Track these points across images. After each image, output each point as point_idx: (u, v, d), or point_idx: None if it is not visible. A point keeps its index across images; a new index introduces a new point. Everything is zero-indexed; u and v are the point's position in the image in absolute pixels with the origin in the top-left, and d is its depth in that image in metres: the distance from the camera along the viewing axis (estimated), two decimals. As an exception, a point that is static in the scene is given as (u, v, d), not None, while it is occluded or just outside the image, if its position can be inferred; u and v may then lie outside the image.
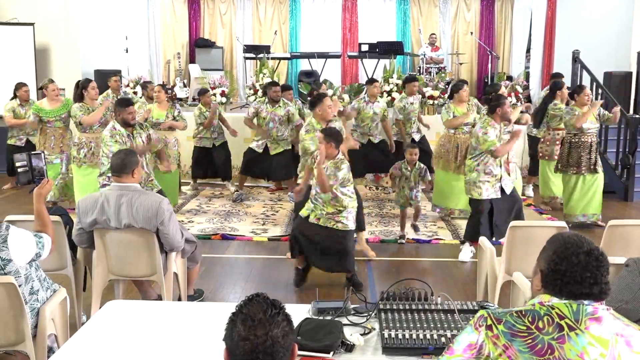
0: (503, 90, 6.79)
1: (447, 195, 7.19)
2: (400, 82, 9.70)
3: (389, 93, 9.57)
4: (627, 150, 8.36)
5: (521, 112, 6.71)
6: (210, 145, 8.29)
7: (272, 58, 11.11)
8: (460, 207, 7.15)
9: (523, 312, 1.84)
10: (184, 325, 2.72)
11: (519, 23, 13.57)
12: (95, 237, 3.93)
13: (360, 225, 5.76)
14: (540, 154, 7.72)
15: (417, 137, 8.17)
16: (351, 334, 2.49)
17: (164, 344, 2.56)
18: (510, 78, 11.31)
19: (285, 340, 1.58)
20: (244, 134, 8.83)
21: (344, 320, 2.65)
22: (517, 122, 6.41)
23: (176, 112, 7.68)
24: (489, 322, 1.84)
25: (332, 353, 2.37)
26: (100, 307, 3.14)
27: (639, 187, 8.33)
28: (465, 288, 5.11)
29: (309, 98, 8.58)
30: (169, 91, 10.17)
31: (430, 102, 9.41)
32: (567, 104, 7.29)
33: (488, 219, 5.61)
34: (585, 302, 1.81)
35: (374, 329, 2.61)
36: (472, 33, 13.70)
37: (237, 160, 8.55)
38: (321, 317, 2.68)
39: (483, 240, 4.60)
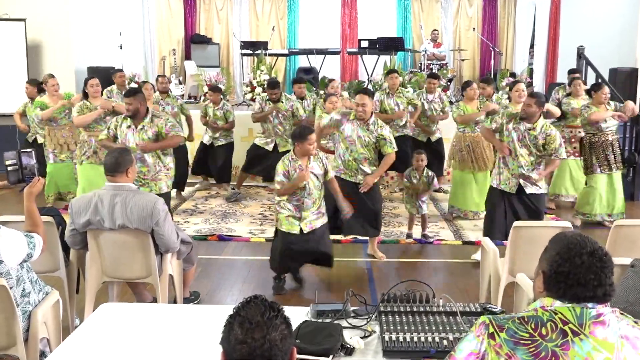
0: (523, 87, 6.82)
1: (463, 196, 7.18)
2: (401, 79, 9.70)
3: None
4: (632, 148, 8.37)
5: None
6: (208, 142, 8.29)
7: (270, 54, 11.11)
8: (473, 209, 7.14)
9: (526, 319, 1.81)
10: (180, 329, 2.72)
11: (523, 18, 13.57)
12: (89, 238, 3.92)
13: (376, 231, 5.82)
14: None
15: (433, 138, 8.18)
16: (351, 337, 2.49)
17: (159, 348, 2.55)
18: (513, 75, 11.31)
19: (284, 344, 1.58)
20: (241, 133, 8.83)
21: (344, 323, 2.65)
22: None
23: (161, 109, 7.70)
24: (491, 329, 1.82)
25: (331, 357, 2.37)
26: (93, 310, 3.14)
27: (646, 187, 8.35)
28: (468, 290, 5.11)
29: (322, 92, 8.60)
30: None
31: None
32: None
33: (503, 216, 5.46)
34: (589, 305, 1.80)
35: (375, 331, 2.61)
36: (474, 29, 13.70)
37: (237, 161, 8.54)
38: (320, 320, 2.68)
39: (486, 240, 4.60)
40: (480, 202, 6.99)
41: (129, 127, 5.40)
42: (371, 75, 10.82)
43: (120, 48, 10.93)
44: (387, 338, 2.47)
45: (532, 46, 13.11)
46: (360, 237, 6.13)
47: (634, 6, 10.19)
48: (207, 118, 8.19)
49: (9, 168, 3.44)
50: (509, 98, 7.25)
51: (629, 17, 10.34)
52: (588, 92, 7.21)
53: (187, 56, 13.81)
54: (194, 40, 13.83)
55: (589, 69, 9.45)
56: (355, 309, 2.80)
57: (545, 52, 12.68)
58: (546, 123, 5.30)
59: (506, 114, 5.59)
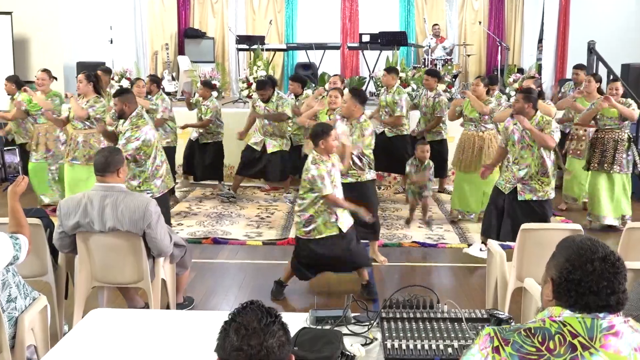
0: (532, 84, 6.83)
1: (468, 199, 7.16)
2: (404, 74, 9.73)
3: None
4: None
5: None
6: (194, 139, 8.33)
7: (267, 49, 11.11)
8: (478, 211, 7.13)
9: (532, 331, 1.78)
10: (173, 336, 2.72)
11: (531, 11, 13.58)
12: (78, 241, 3.92)
13: (375, 234, 5.87)
14: (570, 151, 7.77)
15: (431, 137, 8.16)
16: (352, 345, 2.49)
17: (152, 356, 2.55)
18: (521, 70, 11.32)
19: (281, 351, 1.58)
20: (236, 131, 8.81)
21: (344, 330, 2.66)
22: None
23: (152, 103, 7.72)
24: (496, 343, 1.79)
25: (331, 365, 2.37)
26: (83, 316, 3.14)
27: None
28: (474, 295, 5.12)
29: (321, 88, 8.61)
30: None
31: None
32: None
33: (496, 216, 5.54)
34: (601, 315, 1.76)
35: (376, 339, 2.61)
36: (480, 22, 13.72)
37: (230, 160, 8.53)
38: (320, 327, 2.68)
39: (492, 243, 4.60)
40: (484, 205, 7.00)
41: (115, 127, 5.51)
42: (373, 71, 10.84)
43: (111, 43, 10.94)
44: (389, 345, 2.47)
45: (540, 41, 13.12)
46: (362, 241, 6.13)
47: (647, -1, 10.20)
48: (197, 112, 8.27)
49: None
50: (509, 98, 7.31)
51: (641, 10, 10.35)
52: (598, 88, 7.24)
53: (181, 51, 13.83)
54: (187, 34, 13.84)
55: (600, 64, 9.46)
56: (356, 315, 2.80)
57: (555, 47, 12.68)
58: (542, 117, 5.30)
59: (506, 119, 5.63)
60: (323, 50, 11.56)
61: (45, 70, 7.48)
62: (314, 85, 9.76)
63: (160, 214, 3.94)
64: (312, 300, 4.92)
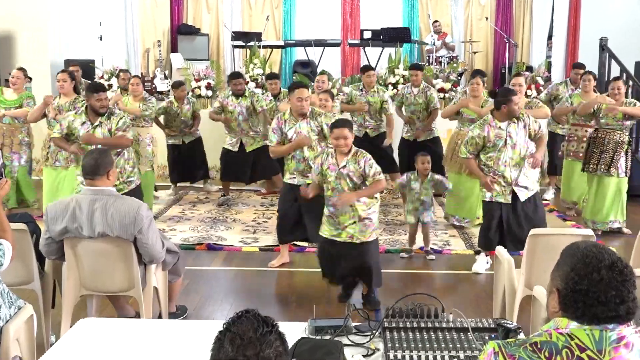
0: (521, 82, 6.78)
1: (462, 203, 7.16)
2: (407, 73, 9.72)
3: (395, 85, 9.59)
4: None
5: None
6: (180, 142, 8.36)
7: (264, 46, 11.13)
8: (479, 214, 7.12)
9: (539, 345, 1.77)
10: (165, 346, 2.72)
11: (540, 7, 13.57)
12: (66, 248, 3.92)
13: None
14: (562, 153, 7.77)
15: (423, 137, 8.14)
16: (352, 356, 2.50)
17: (143, 367, 2.55)
18: (530, 68, 11.33)
19: (279, 362, 1.58)
20: (221, 132, 8.81)
21: (345, 340, 2.66)
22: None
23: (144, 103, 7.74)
24: (501, 358, 1.78)
25: (331, 377, 2.37)
26: (71, 326, 3.14)
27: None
28: (480, 304, 5.11)
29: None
30: (147, 84, 10.17)
31: (441, 95, 9.42)
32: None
33: (497, 226, 5.59)
34: (610, 326, 1.76)
35: (378, 349, 2.61)
36: (487, 18, 13.73)
37: (215, 160, 8.54)
38: (319, 337, 2.68)
39: (500, 250, 4.60)
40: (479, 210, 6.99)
41: (83, 123, 5.57)
42: (374, 69, 10.82)
43: (100, 39, 10.94)
44: (392, 357, 2.47)
45: (550, 37, 13.12)
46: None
47: (661, -6, 10.22)
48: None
49: None
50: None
51: (656, 5, 10.37)
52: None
53: (174, 48, 13.82)
54: (180, 31, 13.84)
55: (613, 62, 9.47)
56: (357, 324, 2.80)
57: (565, 43, 12.68)
58: (523, 113, 5.51)
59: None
60: (322, 47, 11.57)
61: (21, 69, 7.48)
62: (312, 83, 9.75)
63: (152, 219, 3.94)
64: (311, 308, 4.91)
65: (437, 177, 6.34)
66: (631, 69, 9.44)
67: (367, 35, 11.29)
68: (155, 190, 8.37)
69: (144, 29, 13.63)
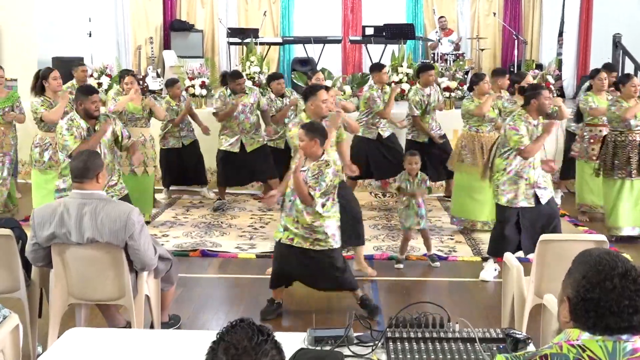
0: (530, 80, 6.80)
1: (469, 205, 7.16)
2: (411, 71, 9.73)
3: (398, 83, 9.60)
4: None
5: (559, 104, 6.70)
6: (179, 145, 8.34)
7: (261, 43, 11.15)
8: (483, 219, 7.13)
9: (549, 358, 1.77)
10: (158, 357, 2.72)
11: (550, 2, 13.60)
12: (53, 254, 3.92)
13: (358, 239, 5.80)
14: (577, 153, 7.73)
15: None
16: (354, 367, 2.50)
17: (134, 380, 2.55)
18: (540, 66, 11.34)
19: (276, 372, 1.58)
20: (215, 135, 8.82)
21: (346, 351, 2.66)
22: (552, 116, 6.38)
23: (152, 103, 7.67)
24: None
25: (331, 389, 2.38)
26: (58, 337, 3.14)
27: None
28: (488, 313, 5.11)
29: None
30: (140, 82, 10.16)
31: (447, 94, 9.43)
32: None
33: (515, 232, 5.60)
34: (623, 337, 1.76)
35: (381, 361, 2.61)
36: (495, 14, 13.75)
37: (211, 162, 8.55)
38: (319, 347, 2.68)
39: (508, 256, 4.60)
40: (490, 211, 6.97)
41: (88, 129, 5.47)
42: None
43: (90, 36, 10.95)
44: (395, 368, 2.47)
45: (561, 34, 13.15)
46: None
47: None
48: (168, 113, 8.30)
49: None
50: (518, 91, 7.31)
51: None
52: (616, 85, 7.22)
53: (166, 45, 13.84)
54: (173, 27, 13.86)
55: (627, 59, 9.48)
56: (358, 334, 2.80)
57: (576, 40, 12.70)
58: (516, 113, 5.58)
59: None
60: (322, 44, 11.59)
61: (1, 67, 7.50)
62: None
63: (144, 224, 3.94)
64: (310, 318, 4.91)
65: (425, 176, 6.31)
66: (646, 67, 9.46)
67: (369, 31, 11.32)
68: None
69: (136, 24, 13.65)
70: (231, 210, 8.18)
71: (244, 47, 10.79)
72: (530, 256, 4.87)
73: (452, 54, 12.31)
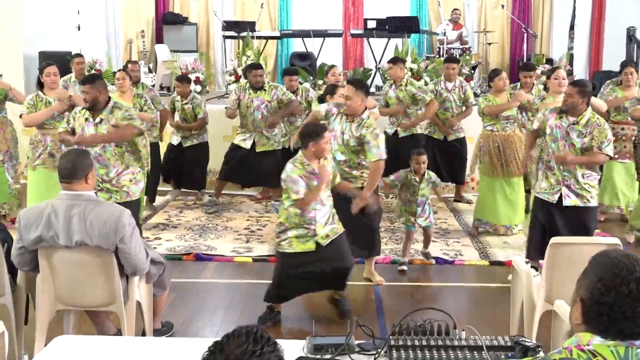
0: (538, 74, 6.89)
1: (492, 208, 7.16)
2: (415, 66, 9.75)
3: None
4: None
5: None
6: (176, 142, 8.33)
7: (258, 37, 11.14)
8: (504, 223, 7.13)
9: None
10: (150, 366, 2.72)
11: (561, -6, 13.62)
12: (40, 258, 3.92)
13: (372, 250, 5.82)
14: None
15: (451, 137, 8.20)
16: (355, 377, 2.50)
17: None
18: (550, 61, 11.36)
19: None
20: (223, 131, 8.83)
21: (347, 360, 2.66)
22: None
23: (143, 102, 7.61)
24: None
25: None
26: (45, 344, 3.14)
27: None
28: (496, 319, 5.11)
29: (320, 82, 8.65)
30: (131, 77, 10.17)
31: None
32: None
33: (540, 233, 5.55)
34: (636, 342, 1.77)
35: (384, 370, 2.61)
36: (503, 6, 13.76)
37: (215, 165, 8.55)
38: (319, 356, 2.68)
39: (517, 260, 4.61)
40: (513, 215, 7.01)
41: (86, 119, 5.51)
42: (379, 62, 10.85)
43: (78, 29, 10.94)
44: (398, 377, 2.47)
45: (572, 27, 13.15)
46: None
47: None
48: (177, 112, 8.25)
49: None
50: (546, 88, 7.29)
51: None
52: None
53: (159, 39, 13.85)
54: (166, 20, 13.87)
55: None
56: (360, 342, 2.80)
57: (589, 34, 12.70)
58: (594, 115, 5.36)
59: (548, 109, 5.63)
60: (322, 38, 11.58)
61: None
62: (311, 78, 9.77)
63: (135, 226, 3.94)
64: (309, 325, 4.91)
65: (434, 175, 6.37)
66: (661, 61, 9.46)
67: (372, 24, 11.31)
68: (153, 200, 8.32)
69: (126, 17, 13.65)
70: (227, 212, 8.18)
71: (240, 41, 10.78)
72: (541, 261, 4.86)
73: (458, 49, 12.31)
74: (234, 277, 6.09)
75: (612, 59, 8.88)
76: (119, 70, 7.98)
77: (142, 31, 13.38)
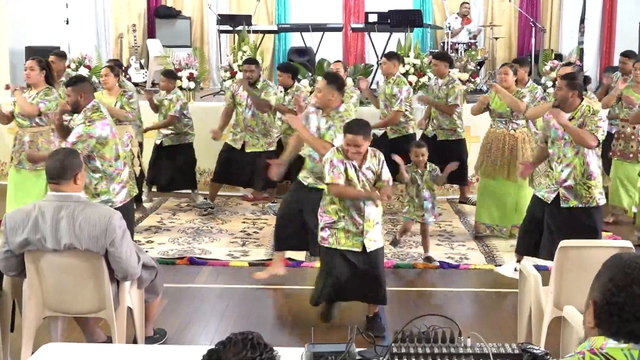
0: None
1: (494, 210, 7.17)
2: (418, 61, 9.74)
3: (405, 75, 9.61)
4: None
5: None
6: (158, 142, 8.32)
7: (254, 31, 11.14)
8: (508, 225, 7.14)
9: None
10: (141, 375, 2.72)
11: (571, -14, 13.63)
12: (27, 262, 3.92)
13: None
14: (617, 153, 7.78)
15: (444, 136, 8.19)
16: (356, 386, 2.50)
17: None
18: (559, 56, 11.34)
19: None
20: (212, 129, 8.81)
21: (347, 368, 2.66)
22: None
23: (124, 99, 7.57)
24: None
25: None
26: (32, 352, 3.14)
27: None
28: (503, 326, 5.12)
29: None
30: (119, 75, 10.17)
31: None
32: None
33: (533, 230, 5.63)
34: None
35: (386, 378, 2.61)
36: (510, 0, 13.77)
37: (209, 165, 8.54)
38: (318, 364, 2.68)
39: (526, 265, 4.61)
40: (516, 217, 7.02)
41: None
42: (381, 58, 10.84)
43: (67, 23, 10.94)
44: (401, 387, 2.47)
45: (582, 21, 13.15)
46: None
47: None
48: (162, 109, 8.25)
49: None
50: (555, 85, 7.28)
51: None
52: None
53: (151, 34, 13.84)
54: (158, 13, 13.86)
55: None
56: (361, 350, 2.80)
57: (599, 28, 12.73)
58: (588, 107, 5.36)
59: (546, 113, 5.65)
60: (321, 33, 11.58)
61: None
62: (310, 74, 9.77)
63: (126, 229, 3.94)
64: (308, 332, 4.91)
65: (434, 167, 6.47)
66: (675, 57, 9.45)
67: (373, 18, 11.29)
68: (141, 200, 8.28)
69: (117, 11, 13.66)
70: (222, 214, 8.18)
71: (236, 35, 10.78)
72: (550, 264, 4.87)
73: (463, 44, 12.31)
74: (230, 282, 6.08)
75: (624, 54, 8.89)
76: (104, 67, 7.97)
77: (134, 25, 13.38)
